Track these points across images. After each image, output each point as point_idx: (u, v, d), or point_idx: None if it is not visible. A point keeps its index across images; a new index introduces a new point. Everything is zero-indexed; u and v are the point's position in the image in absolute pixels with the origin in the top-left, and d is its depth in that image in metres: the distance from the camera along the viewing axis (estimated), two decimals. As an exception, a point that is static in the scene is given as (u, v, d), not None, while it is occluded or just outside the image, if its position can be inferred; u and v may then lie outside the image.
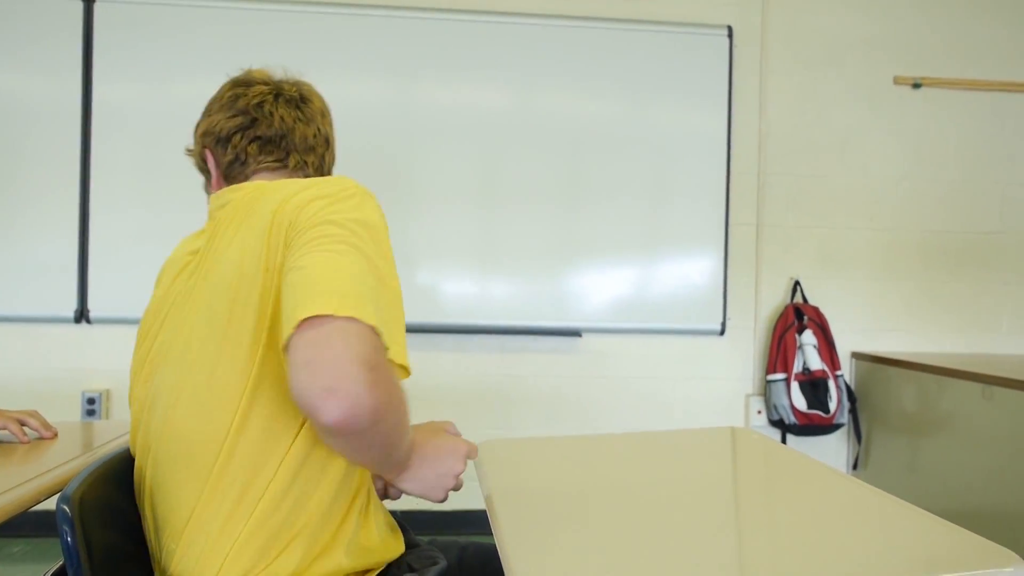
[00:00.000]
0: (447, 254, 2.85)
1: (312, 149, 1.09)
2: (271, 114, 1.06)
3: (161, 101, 2.78)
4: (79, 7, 2.74)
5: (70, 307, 2.74)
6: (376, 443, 0.74)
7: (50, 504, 0.92)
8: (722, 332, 2.97)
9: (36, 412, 1.34)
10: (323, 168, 1.11)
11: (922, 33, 3.14)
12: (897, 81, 3.12)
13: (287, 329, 0.68)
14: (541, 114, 2.90)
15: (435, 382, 2.90)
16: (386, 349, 0.71)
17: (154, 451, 0.87)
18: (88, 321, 2.76)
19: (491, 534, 0.85)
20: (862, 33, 3.11)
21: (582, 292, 2.92)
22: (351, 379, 0.65)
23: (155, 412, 0.87)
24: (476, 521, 0.82)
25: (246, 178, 1.06)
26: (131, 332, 2.81)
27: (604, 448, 1.28)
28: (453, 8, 2.86)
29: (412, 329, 2.81)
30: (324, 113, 1.14)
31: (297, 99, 1.10)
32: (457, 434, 1.01)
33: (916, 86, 3.11)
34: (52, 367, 2.79)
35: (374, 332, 0.69)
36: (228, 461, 0.81)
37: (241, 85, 1.08)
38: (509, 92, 2.89)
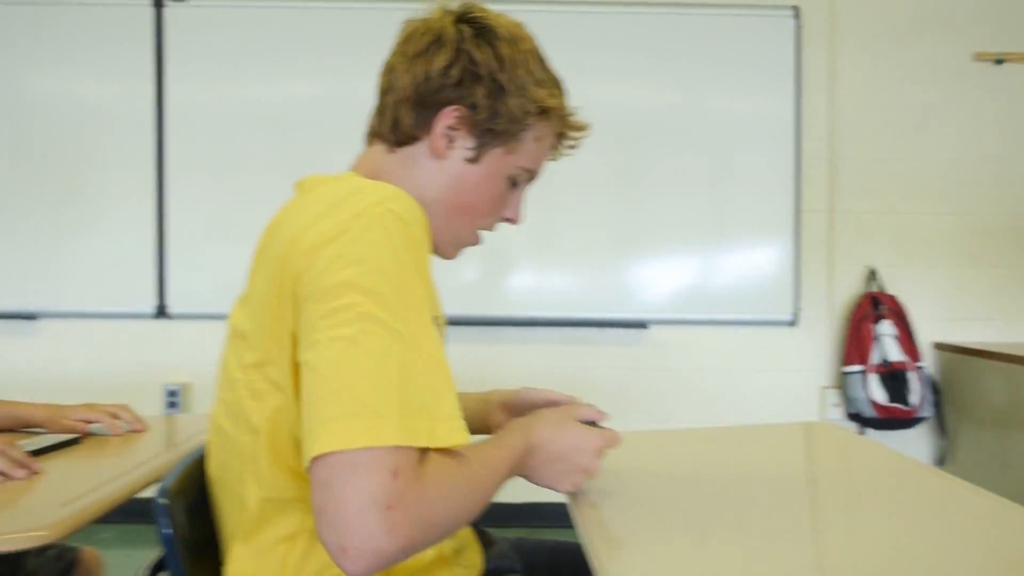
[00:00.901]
0: (507, 246, 2.85)
1: (383, 107, 0.90)
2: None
3: (230, 100, 2.85)
4: (149, 13, 2.83)
5: (150, 303, 2.85)
6: (436, 539, 0.69)
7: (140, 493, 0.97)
8: (794, 322, 2.89)
9: (127, 406, 1.39)
10: (404, 127, 0.87)
11: (1004, 5, 2.97)
12: (978, 57, 2.97)
13: (304, 459, 0.64)
14: (596, 103, 2.82)
15: (499, 374, 2.90)
16: (420, 450, 0.65)
17: (212, 446, 0.87)
18: (167, 316, 2.86)
19: (562, 527, 0.83)
20: (939, 7, 2.97)
21: (646, 283, 2.89)
22: (362, 533, 0.60)
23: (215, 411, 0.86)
24: (549, 515, 0.75)
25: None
26: (208, 326, 2.91)
27: (679, 443, 1.26)
28: (513, -1, 2.85)
29: (474, 322, 2.83)
30: (404, 40, 0.89)
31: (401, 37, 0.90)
32: (596, 418, 0.89)
33: (999, 62, 2.96)
34: (134, 361, 2.90)
35: (395, 451, 0.63)
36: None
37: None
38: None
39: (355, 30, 2.81)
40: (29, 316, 2.86)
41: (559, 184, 2.84)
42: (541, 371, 2.91)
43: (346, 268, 0.68)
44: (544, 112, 0.88)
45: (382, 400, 0.63)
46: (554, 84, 0.91)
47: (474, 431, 1.10)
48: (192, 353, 2.89)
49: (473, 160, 0.87)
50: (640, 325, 2.88)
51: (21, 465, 1.05)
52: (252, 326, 0.77)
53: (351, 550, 0.60)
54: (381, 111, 0.89)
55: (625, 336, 2.92)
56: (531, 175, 0.93)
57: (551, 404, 1.01)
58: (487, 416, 1.10)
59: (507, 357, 2.92)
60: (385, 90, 0.89)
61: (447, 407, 0.69)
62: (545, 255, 2.86)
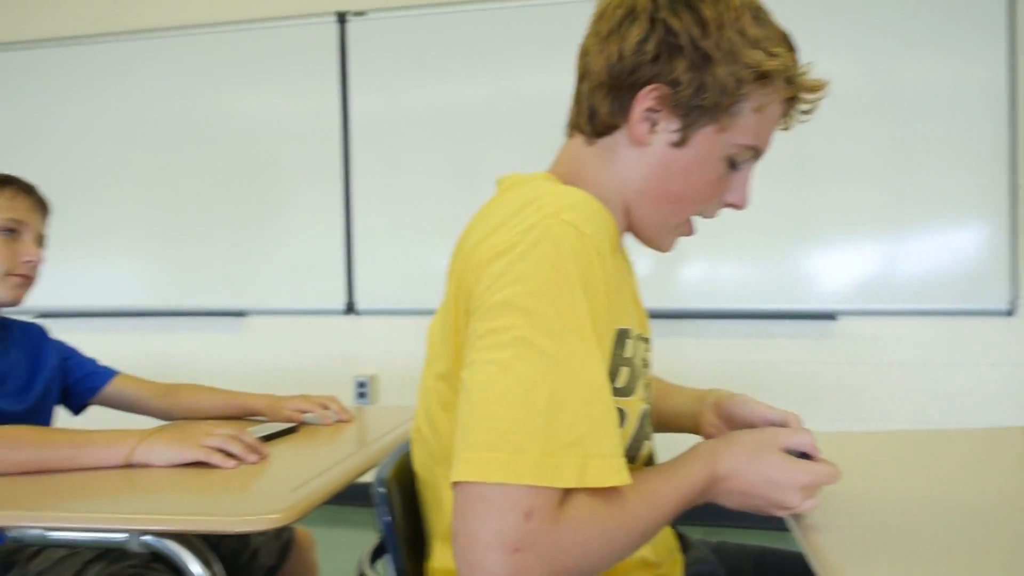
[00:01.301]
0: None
1: (579, 95, 0.82)
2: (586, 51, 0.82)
3: (406, 106, 2.98)
4: (334, 28, 3.01)
5: (340, 300, 3.05)
6: None
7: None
8: (1010, 312, 2.58)
9: (334, 397, 1.49)
10: (601, 115, 0.80)
11: None
12: None
13: (461, 471, 0.62)
14: None
15: (675, 368, 2.82)
16: (564, 491, 0.61)
17: (414, 444, 0.88)
18: (356, 312, 3.06)
19: (770, 529, 0.78)
20: None
21: (831, 271, 2.69)
22: (485, 572, 0.58)
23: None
24: (752, 515, 0.69)
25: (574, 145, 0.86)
26: (391, 322, 3.09)
27: (889, 446, 1.16)
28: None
29: (652, 315, 2.77)
30: (596, 18, 0.80)
31: (599, 13, 0.81)
32: (809, 449, 0.74)
33: None
34: (326, 354, 3.12)
35: (531, 491, 0.59)
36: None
37: None
38: None
39: (529, 28, 2.84)
40: (239, 313, 3.16)
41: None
42: (718, 365, 2.81)
43: (509, 286, 0.64)
44: (763, 77, 0.75)
45: (524, 434, 0.60)
46: (776, 41, 0.77)
47: (685, 429, 1.06)
48: (377, 347, 3.07)
49: (679, 144, 0.77)
50: (828, 316, 2.70)
51: (253, 450, 1.15)
52: (439, 336, 0.76)
53: None
54: (578, 100, 0.82)
55: (811, 328, 2.74)
56: (755, 152, 0.81)
57: (767, 423, 0.88)
58: (698, 416, 1.02)
59: (682, 350, 2.84)
60: (581, 76, 0.82)
61: (606, 442, 0.63)
62: (716, 243, 2.74)
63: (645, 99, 0.76)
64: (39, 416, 1.39)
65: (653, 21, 0.75)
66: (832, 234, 2.68)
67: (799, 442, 0.73)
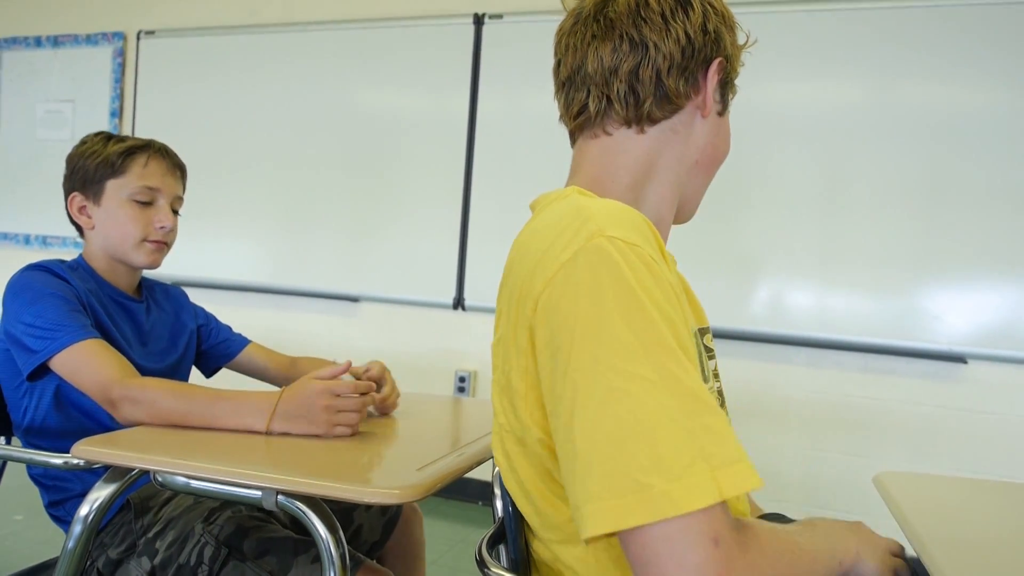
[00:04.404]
0: (792, 262, 2.67)
1: (613, 72, 0.81)
2: (566, 48, 0.85)
3: (526, 108, 3.02)
4: (470, 29, 3.09)
5: (450, 295, 3.12)
6: None
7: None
8: None
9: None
10: (672, 96, 0.81)
11: None
12: None
13: (585, 527, 0.59)
14: (895, 107, 2.57)
15: (784, 395, 2.74)
16: (727, 513, 0.59)
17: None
18: (463, 308, 3.12)
19: None
20: None
21: (964, 311, 2.52)
22: None
23: None
24: None
25: (579, 151, 0.89)
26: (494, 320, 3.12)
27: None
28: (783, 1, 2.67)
29: (758, 338, 2.70)
30: (640, 6, 0.80)
31: (594, 12, 0.83)
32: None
33: None
34: (432, 347, 3.20)
35: (707, 515, 0.57)
36: None
37: None
38: (858, 84, 2.62)
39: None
40: (353, 299, 3.29)
41: (850, 192, 2.61)
42: (831, 398, 2.69)
43: (579, 322, 0.62)
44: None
45: (649, 467, 0.57)
46: None
47: None
48: (480, 344, 3.12)
49: (722, 112, 0.87)
50: (958, 359, 2.54)
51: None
52: (502, 360, 0.76)
53: None
54: (630, 91, 0.81)
55: (938, 369, 2.58)
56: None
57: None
58: None
59: (791, 377, 2.74)
60: (630, 70, 0.80)
61: (730, 446, 0.60)
62: (830, 270, 2.64)
63: (717, 73, 0.83)
64: (176, 376, 1.47)
65: (703, 3, 0.82)
66: (963, 272, 2.52)
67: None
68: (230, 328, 1.62)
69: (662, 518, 0.56)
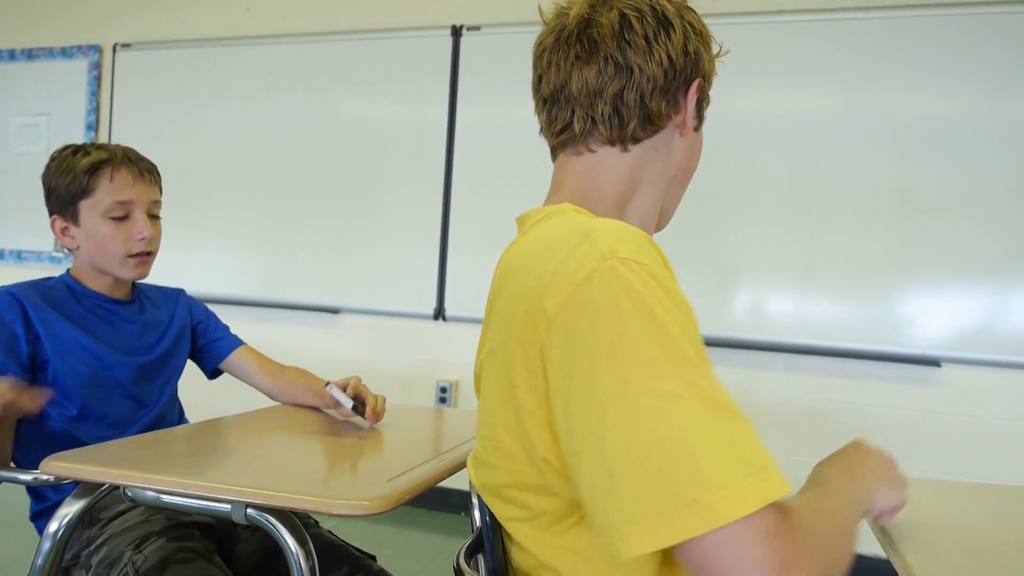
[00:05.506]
0: (769, 269, 2.70)
1: (598, 94, 0.82)
2: (548, 64, 0.85)
3: (510, 120, 3.04)
4: (448, 41, 3.10)
5: (430, 305, 3.12)
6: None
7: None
8: None
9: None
10: (654, 117, 0.82)
11: None
12: None
13: (635, 544, 0.59)
14: (869, 115, 2.62)
15: (763, 401, 2.76)
16: (772, 505, 0.59)
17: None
18: (444, 319, 3.12)
19: None
20: None
21: (935, 315, 2.56)
22: None
23: None
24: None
25: (561, 166, 0.89)
26: (476, 330, 3.12)
27: (1002, 500, 1.09)
28: (767, 10, 2.71)
29: (736, 345, 2.72)
30: (624, 28, 0.81)
31: (577, 31, 0.82)
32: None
33: None
34: (413, 358, 3.20)
35: (760, 516, 0.57)
36: None
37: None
38: (832, 92, 2.67)
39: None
40: (333, 310, 3.28)
41: (826, 199, 2.64)
42: (809, 403, 2.71)
43: (599, 346, 0.62)
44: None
45: (721, 464, 0.58)
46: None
47: None
48: (461, 354, 3.12)
49: (698, 127, 0.88)
50: (932, 363, 2.57)
51: None
52: (500, 375, 0.74)
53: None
54: (614, 113, 0.82)
55: (912, 373, 2.61)
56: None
57: None
58: None
59: (770, 384, 2.76)
60: (615, 92, 0.81)
61: (762, 451, 0.61)
62: (807, 277, 2.67)
63: (696, 92, 0.84)
64: (165, 367, 1.47)
65: (684, 24, 0.83)
66: (937, 276, 2.56)
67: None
68: (227, 328, 1.62)
69: (711, 529, 0.56)
